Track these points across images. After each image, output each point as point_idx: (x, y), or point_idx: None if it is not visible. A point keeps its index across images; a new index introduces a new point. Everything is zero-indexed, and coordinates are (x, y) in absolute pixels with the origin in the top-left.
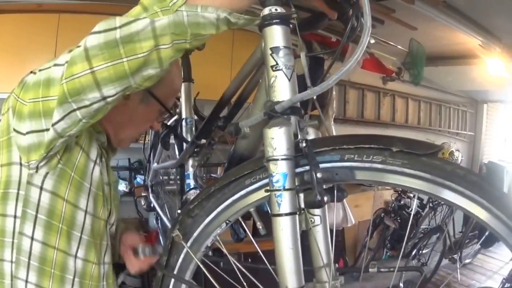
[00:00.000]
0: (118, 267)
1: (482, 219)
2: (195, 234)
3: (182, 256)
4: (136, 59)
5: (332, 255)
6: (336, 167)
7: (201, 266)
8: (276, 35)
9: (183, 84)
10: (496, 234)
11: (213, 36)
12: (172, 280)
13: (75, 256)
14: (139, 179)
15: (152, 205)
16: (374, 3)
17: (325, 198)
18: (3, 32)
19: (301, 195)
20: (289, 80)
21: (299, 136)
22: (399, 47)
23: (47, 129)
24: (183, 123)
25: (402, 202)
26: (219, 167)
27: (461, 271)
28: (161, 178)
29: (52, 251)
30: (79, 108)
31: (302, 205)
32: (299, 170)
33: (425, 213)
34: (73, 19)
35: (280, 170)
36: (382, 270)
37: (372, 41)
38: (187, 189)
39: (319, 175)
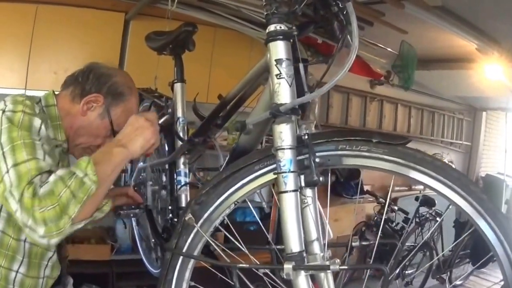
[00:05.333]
0: (80, 277)
1: (447, 196)
2: (205, 215)
3: (191, 236)
4: None
5: (320, 231)
6: (329, 155)
7: (211, 241)
8: (280, 49)
9: (176, 85)
10: (459, 209)
11: (195, 34)
12: (179, 260)
13: (24, 241)
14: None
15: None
16: (363, 6)
17: (320, 179)
18: None
19: (302, 177)
20: (290, 86)
21: (297, 131)
22: (388, 49)
23: None
24: (178, 122)
25: (385, 216)
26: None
27: None
28: (141, 178)
29: (8, 238)
30: None
31: (303, 184)
32: (299, 157)
33: (411, 229)
34: (51, 10)
35: (286, 157)
36: (364, 243)
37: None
38: (179, 186)
39: (316, 160)
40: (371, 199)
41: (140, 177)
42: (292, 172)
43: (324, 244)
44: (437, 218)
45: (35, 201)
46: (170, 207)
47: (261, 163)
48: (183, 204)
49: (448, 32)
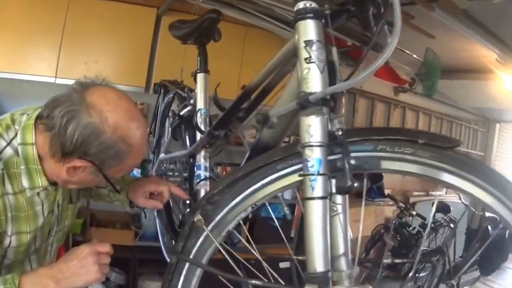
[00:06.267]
0: None
1: (504, 217)
2: (217, 218)
3: (200, 240)
4: None
5: (349, 244)
6: (366, 156)
7: (221, 249)
8: (309, 29)
9: (199, 75)
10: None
11: (225, 31)
12: (187, 265)
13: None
14: (136, 171)
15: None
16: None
17: (355, 184)
18: (10, 11)
19: (333, 181)
20: (321, 72)
21: (329, 126)
22: (414, 56)
23: None
24: (198, 114)
25: (403, 220)
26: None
27: None
28: (163, 169)
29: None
30: None
31: (334, 190)
32: (331, 157)
33: (426, 233)
34: (83, 3)
35: (315, 155)
36: (396, 261)
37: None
38: (197, 180)
39: (351, 162)
40: (391, 203)
41: (163, 167)
42: (321, 174)
43: (353, 260)
44: (451, 225)
45: None
46: (188, 202)
47: (285, 161)
48: None
49: (471, 41)
